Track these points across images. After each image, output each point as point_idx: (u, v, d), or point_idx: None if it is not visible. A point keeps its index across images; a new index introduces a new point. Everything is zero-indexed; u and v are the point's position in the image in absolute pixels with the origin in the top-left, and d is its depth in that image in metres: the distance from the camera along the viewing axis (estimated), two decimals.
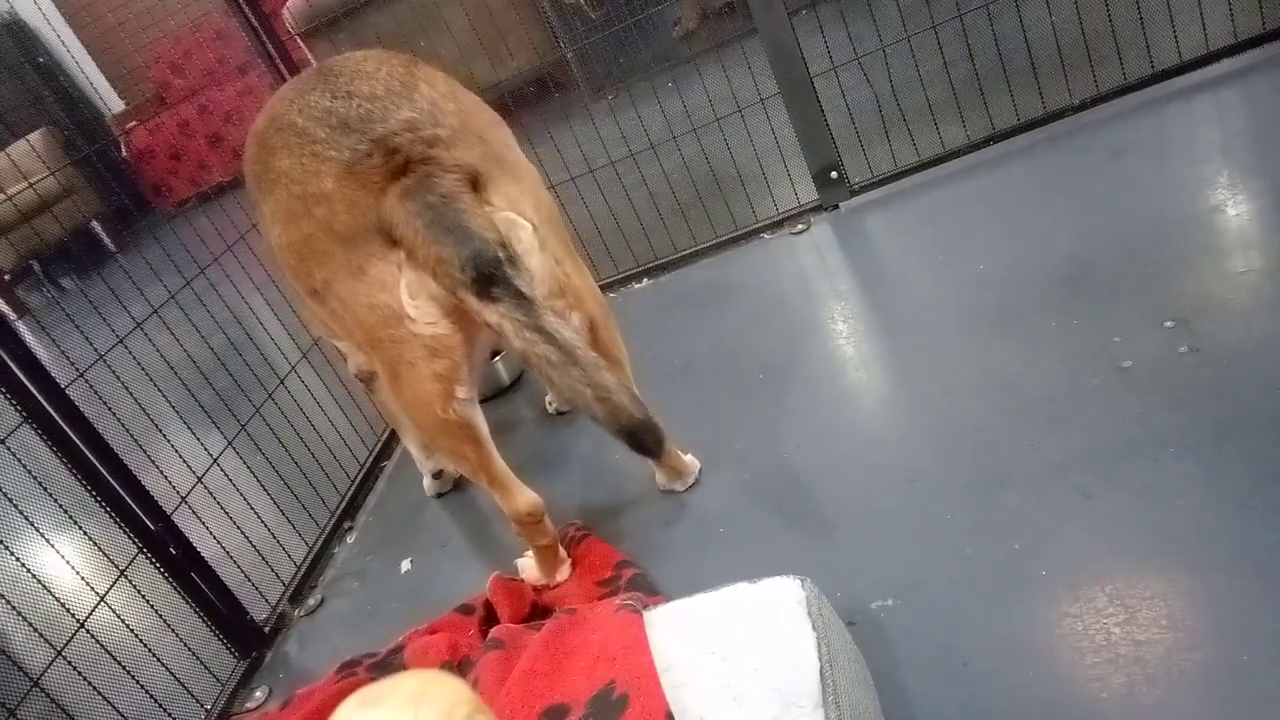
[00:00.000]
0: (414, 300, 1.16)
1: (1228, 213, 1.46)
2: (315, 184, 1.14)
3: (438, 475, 1.79)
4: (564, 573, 1.39)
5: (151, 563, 1.47)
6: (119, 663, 1.36)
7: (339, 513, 1.86)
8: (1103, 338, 1.33)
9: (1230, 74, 1.82)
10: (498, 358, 2.02)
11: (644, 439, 1.13)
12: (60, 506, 1.38)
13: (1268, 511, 0.99)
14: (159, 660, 1.42)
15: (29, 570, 1.38)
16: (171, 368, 1.72)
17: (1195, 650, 0.91)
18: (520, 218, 1.19)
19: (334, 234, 1.16)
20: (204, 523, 1.60)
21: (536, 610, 1.32)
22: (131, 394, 1.57)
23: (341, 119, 1.14)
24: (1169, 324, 1.30)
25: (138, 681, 1.38)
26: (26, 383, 1.36)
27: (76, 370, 1.48)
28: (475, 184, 1.17)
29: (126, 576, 1.43)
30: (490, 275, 1.10)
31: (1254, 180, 1.50)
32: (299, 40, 3.67)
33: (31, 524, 1.35)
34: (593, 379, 1.11)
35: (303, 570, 1.73)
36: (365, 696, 0.62)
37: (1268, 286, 1.28)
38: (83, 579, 1.40)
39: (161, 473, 1.58)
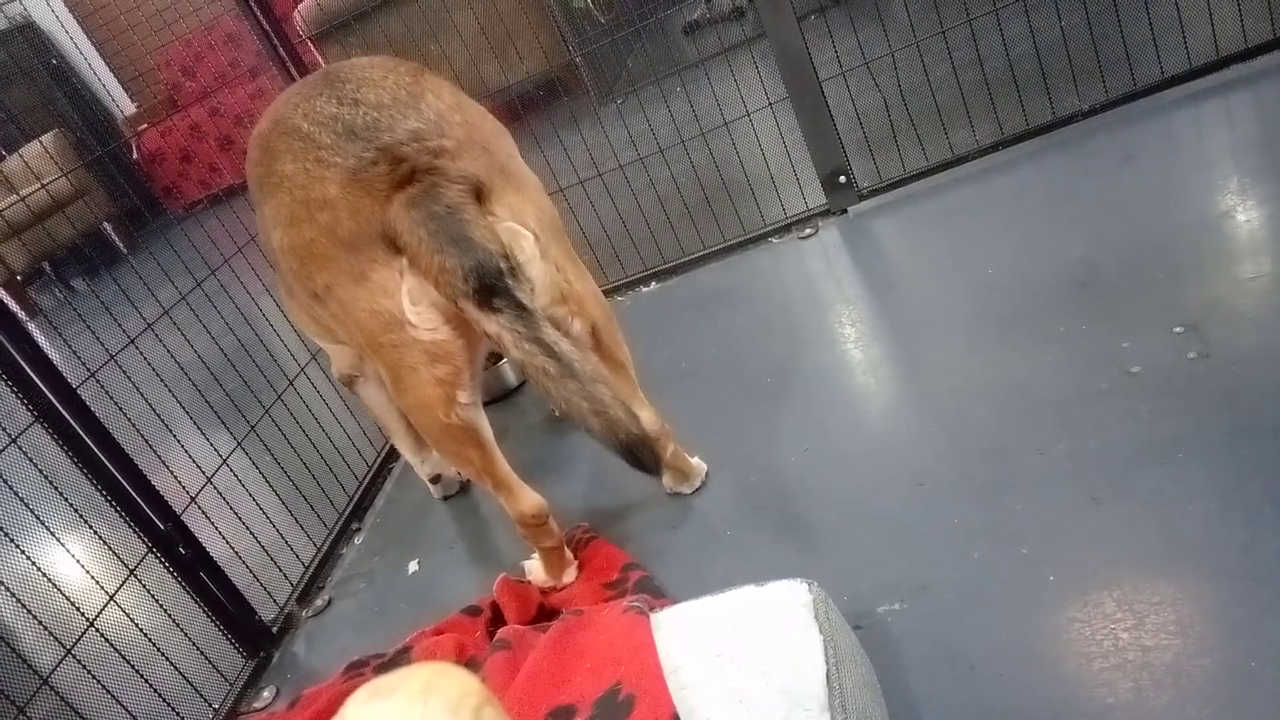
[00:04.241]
0: (415, 306, 1.17)
1: (1238, 218, 1.46)
2: (319, 189, 1.15)
3: (435, 480, 1.79)
4: (570, 575, 1.39)
5: (161, 562, 1.48)
6: (128, 661, 1.37)
7: (347, 514, 1.86)
8: (1112, 343, 1.33)
9: (1240, 79, 1.81)
10: (504, 360, 2.03)
11: (641, 455, 1.13)
12: (70, 506, 1.39)
13: (1277, 517, 0.99)
14: (167, 659, 1.43)
15: (39, 569, 1.39)
16: (182, 369, 1.73)
17: (1203, 656, 0.91)
18: (523, 228, 1.20)
19: (337, 239, 1.16)
20: (213, 523, 1.60)
21: (543, 612, 1.32)
22: (142, 394, 1.58)
23: (348, 126, 1.15)
24: (1179, 329, 1.29)
25: (146, 680, 1.39)
26: (38, 382, 1.37)
27: (88, 370, 1.49)
28: (479, 194, 1.17)
29: (136, 576, 1.43)
30: (492, 286, 1.11)
31: (1264, 186, 1.50)
32: (310, 43, 3.69)
33: (42, 523, 1.36)
34: (590, 393, 1.12)
35: (310, 571, 1.74)
36: (375, 688, 0.63)
37: (1278, 293, 1.28)
38: (92, 578, 1.41)
39: (171, 473, 1.59)
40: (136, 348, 1.58)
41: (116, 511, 1.43)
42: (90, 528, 1.38)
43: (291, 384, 1.92)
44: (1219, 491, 1.05)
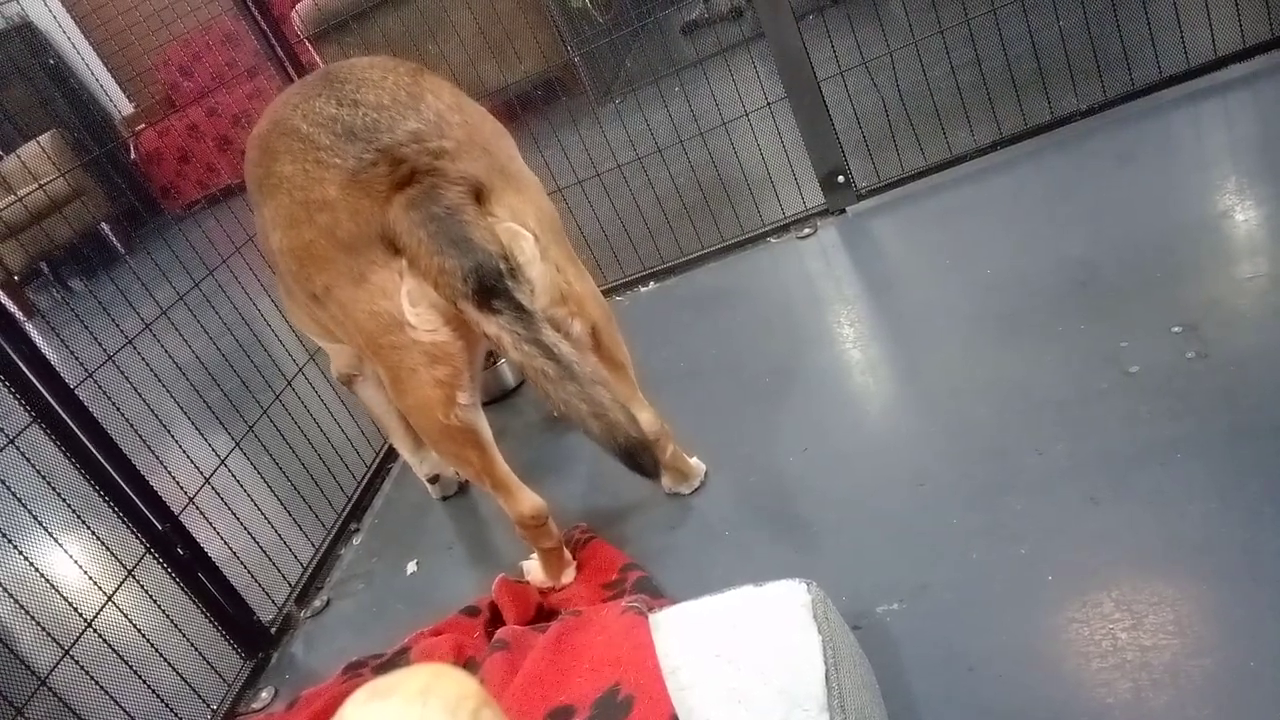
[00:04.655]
0: (415, 308, 1.16)
1: (1236, 218, 1.46)
2: (319, 190, 1.15)
3: (433, 480, 1.79)
4: (569, 575, 1.39)
5: (159, 563, 1.48)
6: (126, 662, 1.37)
7: (345, 514, 1.86)
8: (1110, 343, 1.33)
9: (1238, 79, 1.81)
10: (502, 360, 2.03)
11: (640, 458, 1.13)
12: (68, 506, 1.39)
13: (1277, 517, 0.99)
14: (166, 660, 1.43)
15: (37, 570, 1.39)
16: (179, 369, 1.73)
17: (1202, 656, 0.91)
18: (523, 229, 1.20)
19: (336, 240, 1.16)
20: (211, 524, 1.60)
21: (542, 612, 1.32)
22: (140, 395, 1.58)
23: (347, 127, 1.15)
24: (1177, 329, 1.29)
25: (145, 681, 1.38)
26: (36, 383, 1.36)
27: (85, 371, 1.49)
28: (479, 195, 1.17)
29: (134, 576, 1.43)
30: (492, 287, 1.11)
31: (1262, 186, 1.50)
32: (308, 43, 3.68)
33: (40, 524, 1.36)
34: (589, 395, 1.11)
35: (309, 571, 1.73)
36: (374, 689, 0.63)
37: (1276, 292, 1.28)
38: (90, 579, 1.41)
39: (169, 473, 1.58)
40: (134, 348, 1.58)
41: (114, 512, 1.43)
42: (88, 528, 1.38)
43: (289, 384, 1.91)
44: (1218, 491, 1.05)
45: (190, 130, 6.28)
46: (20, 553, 1.34)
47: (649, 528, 1.43)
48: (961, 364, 1.46)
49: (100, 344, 1.54)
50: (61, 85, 6.61)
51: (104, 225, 5.83)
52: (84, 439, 1.40)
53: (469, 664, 1.16)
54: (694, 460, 1.47)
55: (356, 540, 1.82)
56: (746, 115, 2.08)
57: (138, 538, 1.45)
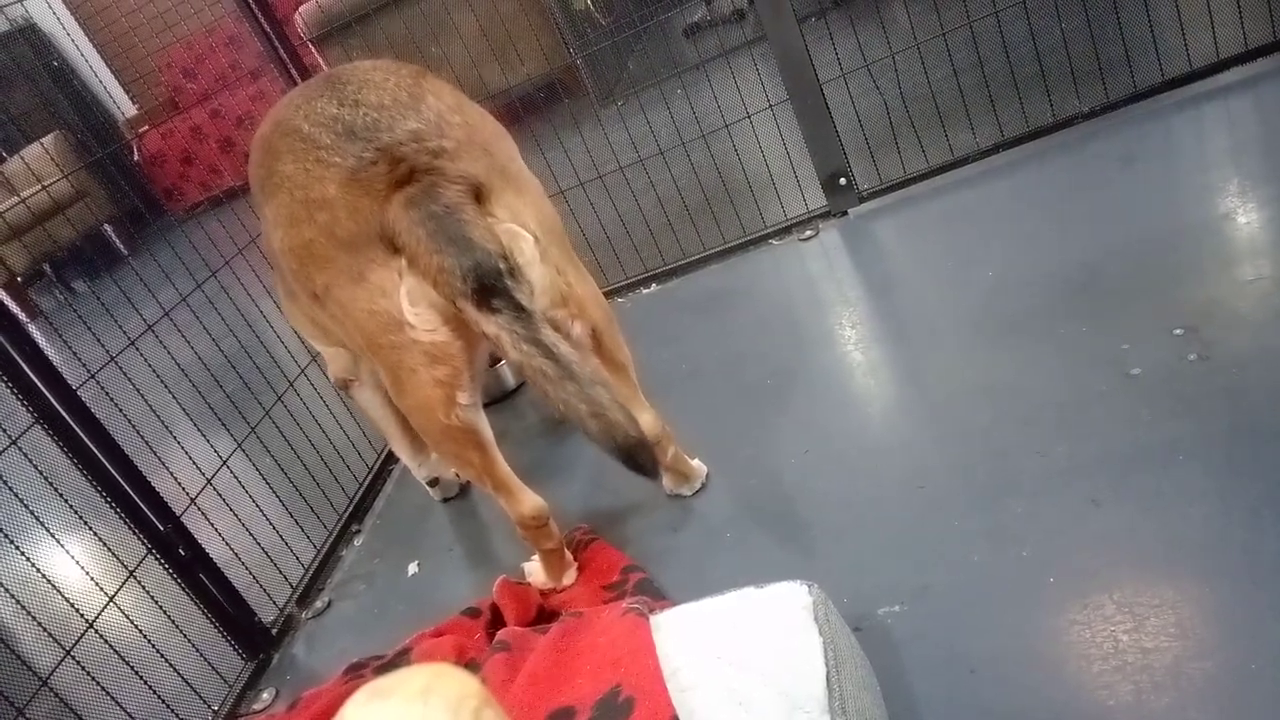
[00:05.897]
0: (414, 308, 1.16)
1: (1237, 220, 1.46)
2: (319, 189, 1.15)
3: (433, 483, 1.79)
4: (570, 576, 1.39)
5: (160, 564, 1.48)
6: (127, 663, 1.37)
7: (346, 516, 1.86)
8: (1112, 345, 1.33)
9: (1240, 82, 1.81)
10: (503, 361, 2.03)
11: (640, 458, 1.12)
12: (70, 507, 1.39)
13: (1277, 519, 0.99)
14: (167, 661, 1.43)
15: (39, 570, 1.39)
16: (182, 370, 1.73)
17: (1204, 658, 0.90)
18: (523, 230, 1.20)
19: (336, 239, 1.16)
20: (213, 524, 1.60)
21: (543, 614, 1.32)
22: (142, 396, 1.58)
23: (347, 126, 1.15)
24: (1178, 331, 1.29)
25: (145, 682, 1.38)
26: (38, 384, 1.37)
27: (88, 372, 1.49)
28: (479, 195, 1.17)
29: (135, 577, 1.43)
30: (491, 286, 1.11)
31: (1264, 188, 1.50)
32: (311, 46, 3.69)
33: (42, 524, 1.36)
34: (588, 395, 1.11)
35: (310, 573, 1.73)
36: (375, 689, 0.63)
37: (1277, 295, 1.28)
38: (92, 579, 1.41)
39: (171, 474, 1.59)
40: (137, 349, 1.58)
41: (116, 513, 1.43)
42: (90, 529, 1.38)
43: (291, 386, 1.92)
44: (1219, 493, 1.05)
45: (193, 132, 6.29)
46: (22, 553, 1.34)
47: (650, 529, 1.43)
48: (963, 366, 1.46)
49: (103, 345, 1.54)
50: (65, 87, 6.62)
51: (107, 227, 5.85)
52: (86, 440, 1.40)
53: (470, 665, 1.16)
54: (695, 462, 1.47)
55: (358, 541, 1.82)
56: (749, 117, 2.08)
57: (139, 538, 1.46)
